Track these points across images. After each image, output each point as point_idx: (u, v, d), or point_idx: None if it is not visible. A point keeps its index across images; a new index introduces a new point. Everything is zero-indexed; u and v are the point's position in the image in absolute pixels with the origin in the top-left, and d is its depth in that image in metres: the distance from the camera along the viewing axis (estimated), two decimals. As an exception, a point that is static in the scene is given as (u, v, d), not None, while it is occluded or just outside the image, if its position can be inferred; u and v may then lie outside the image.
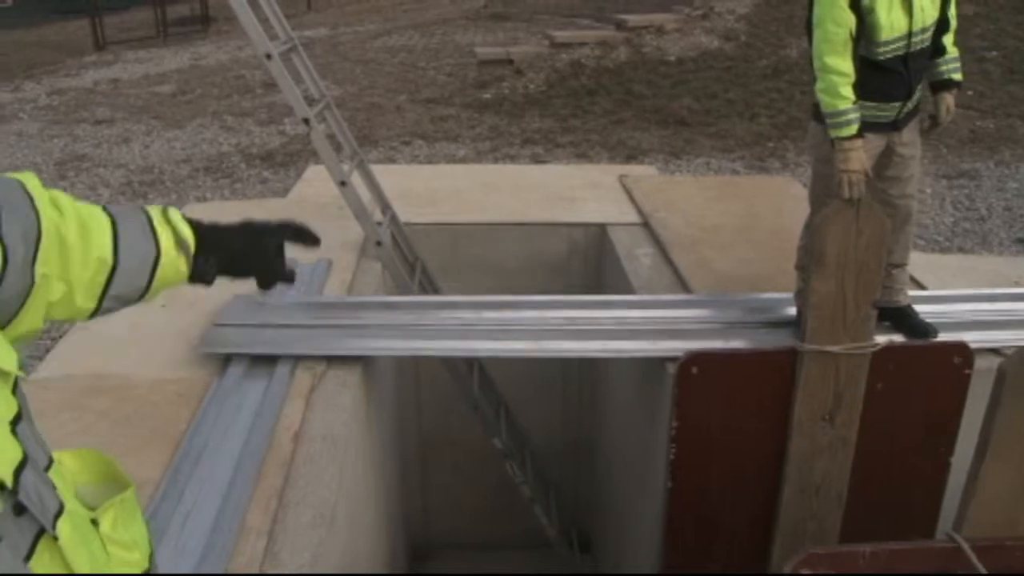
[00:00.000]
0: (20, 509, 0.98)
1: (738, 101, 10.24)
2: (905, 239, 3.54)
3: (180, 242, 1.38)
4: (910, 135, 3.42)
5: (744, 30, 11.88)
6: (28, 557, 1.01)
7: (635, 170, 6.87)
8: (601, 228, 5.11)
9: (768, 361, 3.42)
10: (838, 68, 3.14)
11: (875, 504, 3.54)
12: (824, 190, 3.41)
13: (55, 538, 1.03)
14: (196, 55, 15.59)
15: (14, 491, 0.98)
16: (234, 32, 16.62)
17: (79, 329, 3.86)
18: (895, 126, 3.34)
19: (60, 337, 4.05)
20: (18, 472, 1.00)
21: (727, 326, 3.72)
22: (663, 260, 4.56)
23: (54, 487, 1.09)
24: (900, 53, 3.22)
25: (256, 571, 2.32)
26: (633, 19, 12.32)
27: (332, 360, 3.45)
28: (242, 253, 1.47)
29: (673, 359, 3.45)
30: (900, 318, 3.61)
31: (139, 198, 7.91)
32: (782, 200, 5.42)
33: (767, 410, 3.44)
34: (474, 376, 4.39)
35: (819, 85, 3.20)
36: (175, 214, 1.41)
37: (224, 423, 2.96)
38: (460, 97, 11.25)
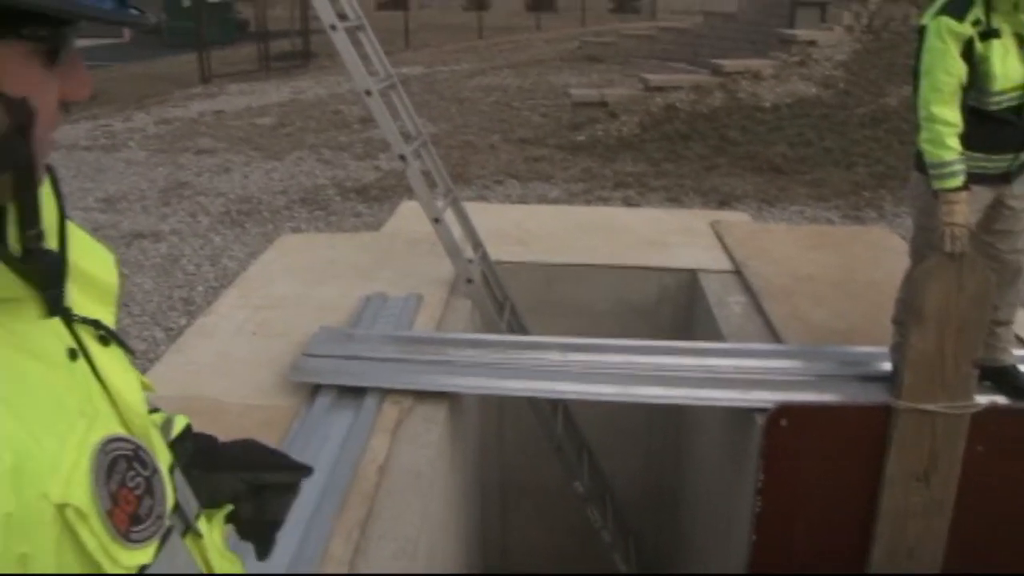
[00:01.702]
0: (174, 506, 1.01)
1: (835, 149, 10.07)
2: (1013, 296, 3.42)
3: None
4: (1022, 187, 3.30)
5: (842, 77, 11.72)
6: None
7: (728, 216, 6.80)
8: (692, 274, 5.06)
9: (861, 416, 3.33)
10: (945, 118, 3.06)
11: (974, 573, 3.40)
12: (926, 242, 3.31)
13: (198, 535, 1.06)
14: (296, 89, 16.01)
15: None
16: (333, 67, 17.02)
17: (173, 353, 3.96)
18: (1006, 178, 3.24)
19: (157, 359, 4.16)
20: (171, 471, 1.03)
21: (819, 378, 3.63)
22: (754, 309, 4.48)
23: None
24: (1014, 103, 3.12)
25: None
26: (729, 64, 12.26)
27: (419, 395, 3.47)
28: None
29: (762, 410, 3.38)
30: (1003, 378, 3.47)
31: (236, 227, 8.12)
32: (879, 252, 5.29)
33: (858, 467, 3.34)
34: (558, 418, 4.36)
35: (923, 135, 3.13)
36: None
37: (311, 452, 2.99)
38: (554, 138, 11.30)
